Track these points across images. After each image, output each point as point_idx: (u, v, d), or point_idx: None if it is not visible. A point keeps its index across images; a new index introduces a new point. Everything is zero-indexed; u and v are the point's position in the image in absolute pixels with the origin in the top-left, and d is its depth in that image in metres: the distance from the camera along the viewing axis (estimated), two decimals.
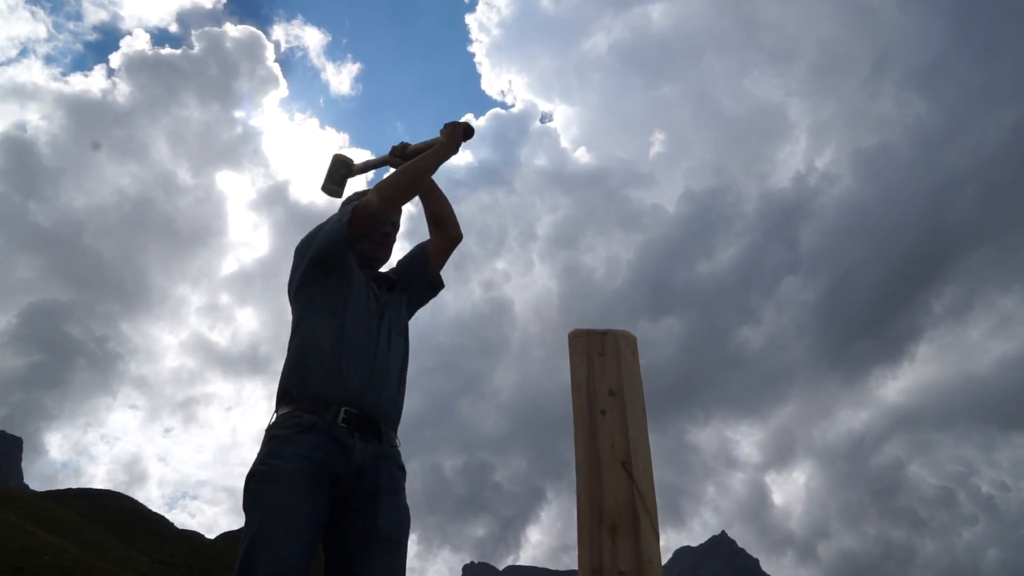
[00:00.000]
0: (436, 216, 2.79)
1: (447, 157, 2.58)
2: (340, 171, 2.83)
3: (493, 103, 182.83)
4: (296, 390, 2.30)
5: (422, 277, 2.73)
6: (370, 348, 2.39)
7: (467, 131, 2.64)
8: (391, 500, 2.28)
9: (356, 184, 2.90)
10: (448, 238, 2.77)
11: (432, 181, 2.74)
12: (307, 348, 2.37)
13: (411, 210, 2.79)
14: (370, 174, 3.01)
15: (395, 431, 2.42)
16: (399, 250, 2.78)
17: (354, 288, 2.49)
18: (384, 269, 2.76)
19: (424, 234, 2.86)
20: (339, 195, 2.79)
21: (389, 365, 2.43)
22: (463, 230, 2.81)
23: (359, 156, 2.89)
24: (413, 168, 2.53)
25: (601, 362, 1.77)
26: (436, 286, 2.77)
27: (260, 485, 2.14)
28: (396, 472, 2.34)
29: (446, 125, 2.62)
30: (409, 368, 2.57)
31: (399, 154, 2.78)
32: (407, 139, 2.83)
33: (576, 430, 1.72)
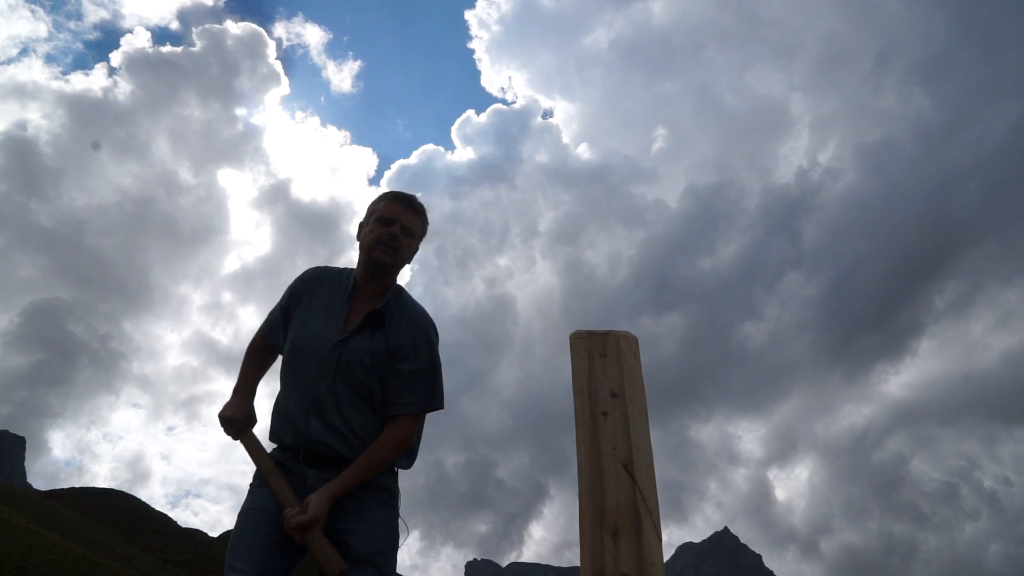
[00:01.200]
0: None
1: None
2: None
3: (493, 99, 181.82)
4: (270, 431, 2.61)
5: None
6: (311, 396, 2.47)
7: None
8: (357, 518, 2.40)
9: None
10: None
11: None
12: (278, 397, 2.61)
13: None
14: None
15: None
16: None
17: (298, 340, 2.54)
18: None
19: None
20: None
21: (339, 409, 2.45)
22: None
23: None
24: None
25: (602, 363, 1.76)
26: None
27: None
28: (361, 493, 2.42)
29: None
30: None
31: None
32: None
33: (578, 432, 1.71)
